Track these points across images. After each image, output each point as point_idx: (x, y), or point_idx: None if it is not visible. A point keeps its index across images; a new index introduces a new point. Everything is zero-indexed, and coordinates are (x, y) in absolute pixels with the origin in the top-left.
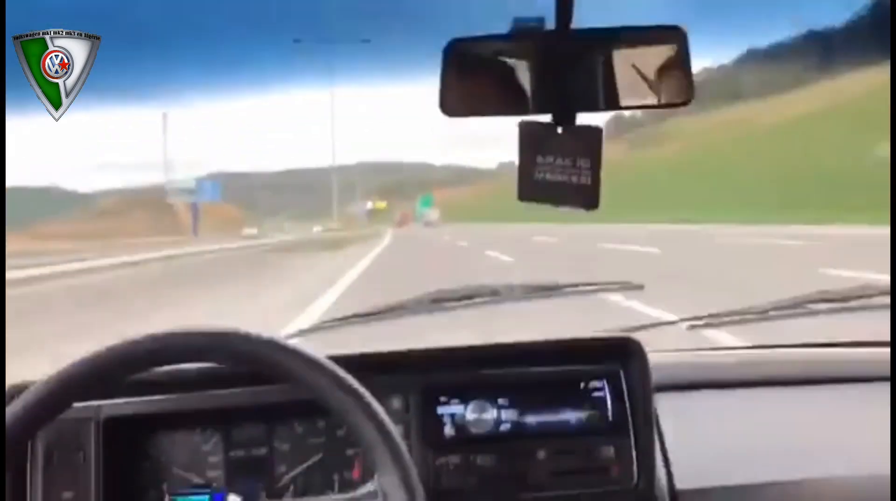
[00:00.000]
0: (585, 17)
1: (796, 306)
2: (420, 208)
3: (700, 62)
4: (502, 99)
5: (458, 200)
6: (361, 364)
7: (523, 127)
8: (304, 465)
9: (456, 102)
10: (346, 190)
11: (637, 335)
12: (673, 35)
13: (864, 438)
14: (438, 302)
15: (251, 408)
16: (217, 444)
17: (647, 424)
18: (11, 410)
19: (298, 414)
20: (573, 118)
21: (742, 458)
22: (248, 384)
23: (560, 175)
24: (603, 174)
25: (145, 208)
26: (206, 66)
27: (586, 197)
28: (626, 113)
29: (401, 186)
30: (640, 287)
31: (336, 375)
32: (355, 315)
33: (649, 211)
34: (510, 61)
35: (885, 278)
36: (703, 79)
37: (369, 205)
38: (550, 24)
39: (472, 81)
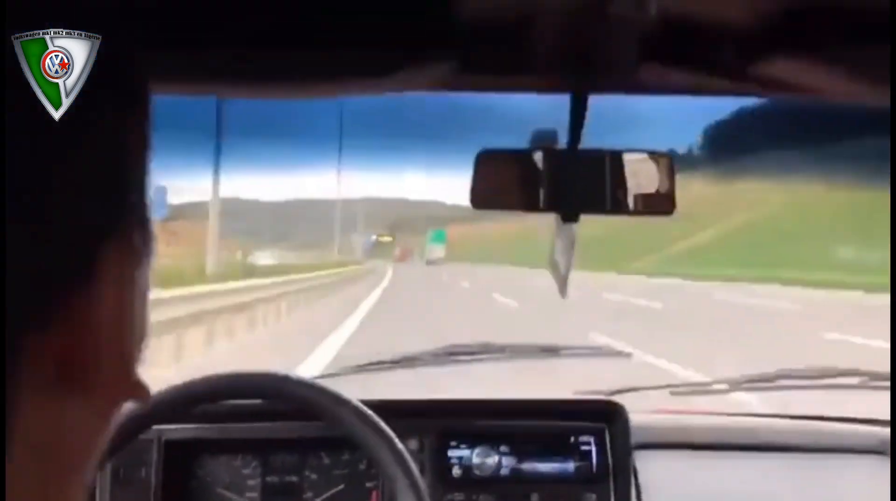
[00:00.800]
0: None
1: (767, 381)
2: (430, 242)
3: None
4: (520, 199)
5: (465, 238)
6: (386, 409)
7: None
8: (329, 493)
9: (482, 198)
10: (347, 222)
11: (627, 396)
12: (662, 158)
13: None
14: (453, 355)
15: (287, 440)
16: (256, 469)
17: (625, 476)
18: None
19: (327, 448)
20: (577, 218)
21: None
22: (285, 419)
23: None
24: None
25: None
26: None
27: (560, 285)
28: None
29: (408, 221)
30: (629, 355)
31: (367, 417)
32: (380, 362)
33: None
34: (528, 170)
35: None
36: None
37: (374, 237)
38: (563, 132)
39: (495, 182)
